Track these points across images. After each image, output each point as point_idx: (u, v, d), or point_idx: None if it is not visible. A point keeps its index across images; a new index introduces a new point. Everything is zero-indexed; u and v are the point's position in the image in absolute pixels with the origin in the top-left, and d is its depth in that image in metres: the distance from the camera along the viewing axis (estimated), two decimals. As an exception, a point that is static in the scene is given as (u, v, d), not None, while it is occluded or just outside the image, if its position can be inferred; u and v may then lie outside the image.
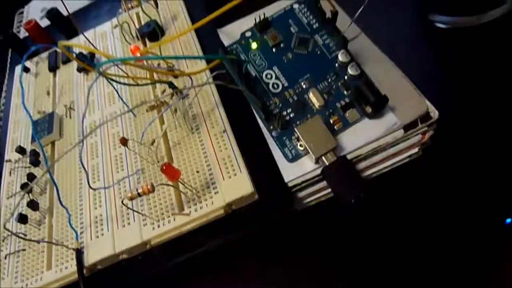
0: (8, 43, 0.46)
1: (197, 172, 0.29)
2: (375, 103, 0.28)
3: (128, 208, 0.28)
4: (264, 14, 0.33)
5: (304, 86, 0.30)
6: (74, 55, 0.40)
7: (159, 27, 0.39)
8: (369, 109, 0.28)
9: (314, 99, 0.30)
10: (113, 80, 0.28)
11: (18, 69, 0.44)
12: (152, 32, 0.39)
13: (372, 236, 0.31)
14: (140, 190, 0.24)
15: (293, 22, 0.32)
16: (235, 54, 0.32)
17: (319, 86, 0.30)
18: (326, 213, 0.31)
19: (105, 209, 0.30)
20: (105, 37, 0.42)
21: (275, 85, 0.31)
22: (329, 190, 0.29)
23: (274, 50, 0.32)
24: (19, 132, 0.38)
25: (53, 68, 0.42)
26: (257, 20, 0.32)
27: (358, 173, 0.28)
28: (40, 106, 0.39)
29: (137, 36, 0.40)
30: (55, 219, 0.31)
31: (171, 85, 0.32)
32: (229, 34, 0.39)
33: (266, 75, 0.31)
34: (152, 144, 0.31)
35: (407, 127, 0.28)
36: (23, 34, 0.52)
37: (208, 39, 0.38)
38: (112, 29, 0.42)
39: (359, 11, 0.29)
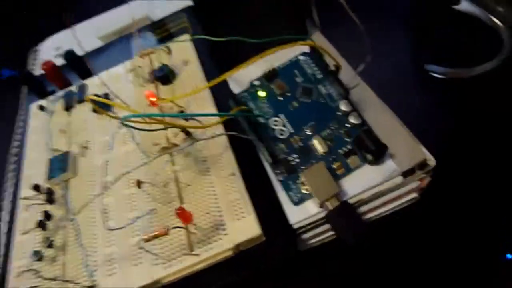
0: (24, 81, 0.48)
1: (207, 214, 0.31)
2: (375, 151, 0.30)
3: (145, 250, 0.30)
4: (271, 66, 0.35)
5: (308, 133, 0.32)
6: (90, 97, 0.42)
7: (171, 72, 0.42)
8: (369, 157, 0.30)
9: (318, 145, 0.31)
10: (130, 127, 0.30)
11: (33, 107, 0.46)
12: (165, 76, 0.41)
13: (376, 268, 0.32)
14: (157, 233, 0.26)
15: (298, 72, 0.35)
16: (244, 102, 0.34)
17: (322, 133, 0.32)
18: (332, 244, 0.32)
19: (117, 248, 0.31)
20: (119, 79, 0.45)
21: (282, 132, 0.33)
22: (333, 232, 0.30)
23: (280, 98, 0.34)
24: (35, 169, 0.40)
25: (68, 107, 0.44)
26: (266, 70, 0.35)
27: (359, 217, 0.30)
28: (55, 144, 0.41)
29: (150, 79, 0.43)
30: (68, 256, 0.32)
31: (184, 130, 0.34)
32: (238, 80, 0.42)
33: (273, 122, 0.33)
34: (165, 186, 0.33)
35: (406, 174, 0.30)
36: (37, 71, 0.55)
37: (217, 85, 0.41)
38: (126, 72, 0.45)
39: (362, 66, 0.31)
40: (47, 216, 0.34)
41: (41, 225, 0.33)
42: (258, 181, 0.32)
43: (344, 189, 0.30)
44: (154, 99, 0.35)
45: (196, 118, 0.34)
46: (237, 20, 0.40)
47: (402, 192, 0.31)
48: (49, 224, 0.34)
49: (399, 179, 0.30)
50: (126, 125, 0.26)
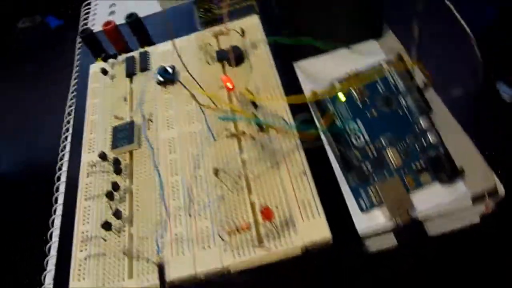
0: (85, 39, 0.48)
1: (276, 207, 0.32)
2: (451, 174, 0.31)
3: (220, 237, 0.31)
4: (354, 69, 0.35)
5: (384, 143, 0.33)
6: (156, 69, 0.42)
7: (242, 54, 0.41)
8: (443, 177, 0.31)
9: (393, 157, 0.32)
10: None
11: (94, 68, 0.46)
12: (236, 57, 0.41)
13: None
14: (240, 227, 0.27)
15: (380, 80, 0.35)
16: (323, 102, 0.34)
17: (398, 145, 0.33)
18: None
19: (186, 229, 0.32)
20: (184, 52, 0.44)
21: (357, 138, 0.33)
22: (396, 242, 0.32)
23: (360, 105, 0.34)
24: (96, 134, 0.40)
25: (130, 74, 0.44)
26: (349, 73, 0.35)
27: (425, 233, 0.31)
28: (117, 112, 0.41)
29: (217, 58, 0.42)
30: (136, 229, 0.33)
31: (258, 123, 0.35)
32: (305, 69, 0.42)
33: (349, 127, 0.33)
34: (239, 176, 0.33)
35: (475, 198, 0.31)
36: (91, 25, 0.54)
37: (284, 73, 0.41)
38: (193, 45, 0.44)
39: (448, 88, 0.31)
40: (115, 186, 0.35)
41: (109, 195, 0.34)
42: (327, 184, 0.33)
43: (413, 202, 0.31)
44: (231, 86, 0.35)
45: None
46: (309, 16, 0.40)
47: (467, 215, 0.32)
48: (116, 195, 0.35)
49: (468, 202, 0.31)
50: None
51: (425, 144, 0.32)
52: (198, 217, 0.33)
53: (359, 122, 0.34)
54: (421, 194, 0.32)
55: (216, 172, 0.32)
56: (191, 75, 0.37)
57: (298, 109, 0.37)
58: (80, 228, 0.35)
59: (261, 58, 0.42)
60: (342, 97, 0.34)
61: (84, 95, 0.44)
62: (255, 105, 0.37)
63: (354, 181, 0.32)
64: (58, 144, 0.44)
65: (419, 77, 0.33)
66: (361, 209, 0.31)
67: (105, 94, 0.43)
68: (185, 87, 0.37)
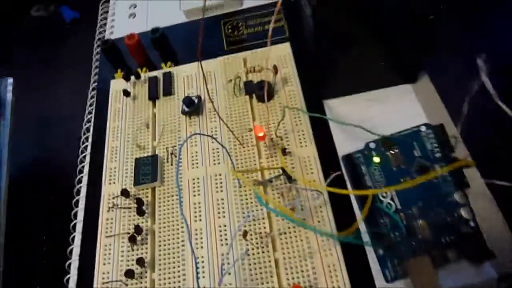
0: (106, 50, 0.46)
1: (302, 272, 0.32)
2: (481, 256, 0.30)
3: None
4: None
5: (415, 213, 0.32)
6: (180, 97, 0.41)
7: (271, 90, 0.40)
8: (472, 257, 0.31)
9: (422, 230, 0.32)
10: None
11: (115, 85, 0.44)
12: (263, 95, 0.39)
13: None
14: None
15: (417, 145, 0.34)
16: (356, 162, 0.33)
17: (428, 217, 0.32)
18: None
19: (209, 281, 0.32)
20: (211, 76, 0.42)
21: (388, 205, 0.33)
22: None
23: (395, 169, 0.33)
24: (118, 163, 0.39)
25: (153, 98, 0.42)
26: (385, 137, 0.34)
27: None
28: (139, 139, 0.40)
29: (246, 91, 0.41)
30: (157, 274, 0.33)
31: (286, 173, 0.34)
32: (333, 108, 0.40)
33: (382, 194, 0.33)
34: (266, 236, 0.33)
35: (501, 277, 0.31)
36: (111, 31, 0.52)
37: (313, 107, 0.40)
38: (220, 69, 0.42)
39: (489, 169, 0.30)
40: (138, 229, 0.34)
41: (132, 239, 0.34)
42: (354, 249, 0.33)
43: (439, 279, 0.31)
44: (262, 134, 0.34)
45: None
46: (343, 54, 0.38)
47: (490, 292, 0.32)
48: (138, 238, 0.35)
49: (494, 282, 0.31)
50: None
51: (457, 219, 0.32)
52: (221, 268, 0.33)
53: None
54: (447, 271, 0.32)
55: (245, 235, 0.32)
56: (228, 128, 0.35)
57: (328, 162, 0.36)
58: (101, 268, 0.34)
59: (291, 94, 0.40)
60: (376, 159, 0.33)
61: (102, 111, 0.43)
62: (284, 151, 0.36)
63: (381, 249, 0.32)
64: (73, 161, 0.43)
65: (461, 151, 0.32)
66: (386, 280, 0.31)
67: (127, 117, 0.42)
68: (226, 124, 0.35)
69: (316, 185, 0.32)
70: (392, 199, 0.33)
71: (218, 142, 0.34)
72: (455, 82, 0.40)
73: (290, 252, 0.32)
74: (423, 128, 0.34)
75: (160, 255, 0.34)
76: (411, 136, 0.34)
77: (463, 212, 0.32)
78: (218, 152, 0.38)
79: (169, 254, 0.34)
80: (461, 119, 0.32)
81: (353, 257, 0.32)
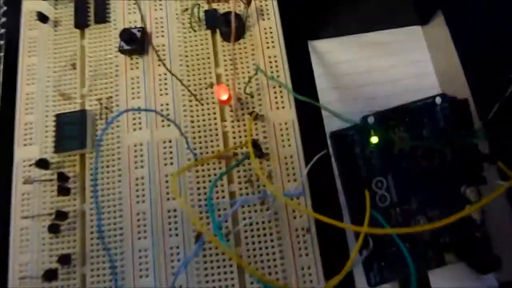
0: None
1: (269, 274, 0.26)
2: (486, 266, 0.25)
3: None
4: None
5: (413, 208, 0.26)
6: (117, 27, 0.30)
7: (242, 25, 0.30)
8: (477, 265, 0.26)
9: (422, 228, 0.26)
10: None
11: (27, 3, 0.32)
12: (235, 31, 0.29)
13: None
14: None
15: (428, 121, 0.26)
16: (349, 141, 0.26)
17: (430, 213, 0.26)
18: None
19: (153, 281, 0.26)
20: (160, 2, 0.31)
21: (383, 198, 0.26)
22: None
23: (396, 153, 0.26)
24: (34, 116, 0.30)
25: (81, 25, 0.31)
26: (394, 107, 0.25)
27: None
28: (63, 85, 0.30)
29: (206, 23, 0.30)
30: (88, 269, 0.27)
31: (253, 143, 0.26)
32: (320, 52, 0.31)
33: (376, 183, 0.26)
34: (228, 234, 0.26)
35: (502, 285, 0.27)
36: None
37: (297, 52, 0.30)
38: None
39: None
40: (61, 215, 0.26)
41: (53, 228, 0.26)
42: (334, 248, 0.27)
43: (432, 281, 0.26)
44: (226, 97, 0.25)
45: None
46: None
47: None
48: (63, 224, 0.27)
49: (493, 289, 0.27)
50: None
51: (464, 219, 0.26)
52: (170, 264, 0.26)
53: (389, 177, 0.26)
54: (442, 273, 0.26)
55: (198, 236, 0.25)
56: (182, 83, 0.25)
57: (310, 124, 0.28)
58: (18, 259, 0.27)
59: (267, 33, 0.30)
60: (374, 139, 0.26)
61: (11, 42, 0.32)
62: (255, 116, 0.28)
63: (367, 250, 0.26)
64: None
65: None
66: (370, 284, 0.26)
67: (46, 51, 0.31)
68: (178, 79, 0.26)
69: (296, 206, 0.24)
70: (387, 190, 0.26)
71: (164, 116, 0.25)
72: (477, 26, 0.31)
73: (257, 249, 0.26)
74: (438, 100, 0.26)
75: (92, 245, 0.27)
76: (421, 109, 0.26)
77: (473, 213, 0.26)
78: (168, 109, 0.29)
79: (103, 244, 0.27)
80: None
81: (332, 257, 0.26)
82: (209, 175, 0.28)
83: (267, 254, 0.26)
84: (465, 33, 0.31)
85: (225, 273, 0.26)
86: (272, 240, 0.26)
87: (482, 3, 0.32)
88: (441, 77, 0.30)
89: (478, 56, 0.31)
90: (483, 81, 0.30)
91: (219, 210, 0.27)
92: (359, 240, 0.21)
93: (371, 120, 0.25)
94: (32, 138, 0.29)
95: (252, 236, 0.26)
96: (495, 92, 0.26)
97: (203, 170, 0.28)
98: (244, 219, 0.26)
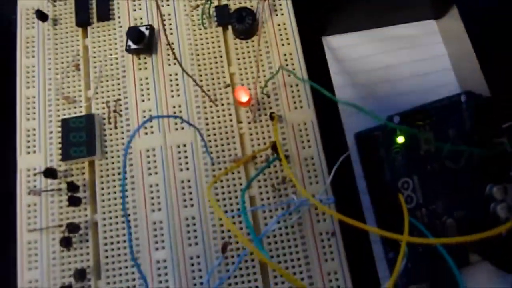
0: None
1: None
2: (514, 265, 0.25)
3: None
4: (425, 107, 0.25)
5: (439, 210, 0.25)
6: (123, 26, 0.28)
7: (254, 22, 0.28)
8: (504, 265, 0.25)
9: (448, 228, 0.25)
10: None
11: (22, 2, 0.30)
12: (245, 30, 0.28)
13: None
14: None
15: (453, 120, 0.25)
16: (374, 142, 0.25)
17: (456, 214, 0.25)
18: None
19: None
20: (166, 3, 0.30)
21: (409, 199, 0.25)
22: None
23: (422, 153, 0.25)
24: (36, 121, 0.28)
25: (83, 23, 0.29)
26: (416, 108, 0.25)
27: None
28: (67, 88, 0.28)
29: (217, 21, 0.29)
30: (104, 283, 0.25)
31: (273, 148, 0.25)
32: (335, 48, 0.31)
33: (402, 184, 0.25)
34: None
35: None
36: None
37: (311, 49, 0.29)
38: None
39: None
40: (72, 228, 0.25)
41: (65, 242, 0.25)
42: (360, 251, 0.26)
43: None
44: (247, 99, 0.24)
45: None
46: None
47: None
48: (74, 237, 0.25)
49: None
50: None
51: (490, 218, 0.25)
52: (190, 275, 0.25)
53: (415, 178, 0.25)
54: (468, 273, 0.26)
55: (224, 248, 0.24)
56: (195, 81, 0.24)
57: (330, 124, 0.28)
58: (25, 276, 0.25)
59: (282, 29, 0.29)
60: (400, 139, 0.25)
61: (8, 42, 0.30)
62: (271, 117, 0.27)
63: (393, 252, 0.25)
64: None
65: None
66: (396, 286, 0.26)
67: (46, 52, 0.29)
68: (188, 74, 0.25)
69: (327, 210, 0.24)
70: (413, 190, 0.25)
71: (185, 120, 0.24)
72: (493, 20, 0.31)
73: (281, 255, 0.25)
74: (463, 98, 0.25)
75: (107, 257, 0.26)
76: (447, 108, 0.25)
77: (499, 210, 0.25)
78: (180, 111, 0.28)
79: (119, 255, 0.26)
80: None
81: (358, 261, 0.26)
82: (227, 180, 0.26)
83: (292, 260, 0.25)
84: (480, 27, 0.31)
85: (249, 281, 0.25)
86: (296, 246, 0.25)
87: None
88: (458, 73, 0.29)
89: (494, 51, 0.30)
90: (501, 76, 0.29)
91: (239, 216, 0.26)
92: (401, 250, 0.20)
93: (396, 119, 0.24)
94: (36, 146, 0.27)
95: (276, 242, 0.25)
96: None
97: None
98: (266, 224, 0.25)
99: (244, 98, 0.24)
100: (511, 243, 0.25)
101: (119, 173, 0.27)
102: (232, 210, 0.26)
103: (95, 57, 0.29)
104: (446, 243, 0.18)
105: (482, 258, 0.26)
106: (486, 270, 0.26)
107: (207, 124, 0.27)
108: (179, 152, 0.27)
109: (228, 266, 0.25)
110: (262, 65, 0.28)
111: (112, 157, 0.27)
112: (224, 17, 0.29)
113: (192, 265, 0.25)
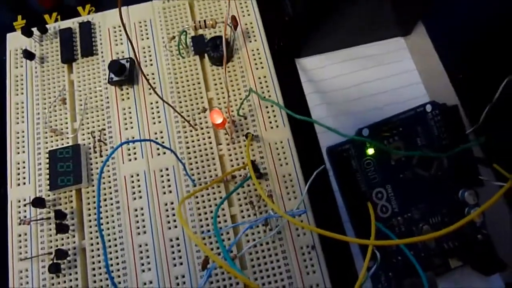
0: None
1: (278, 294, 0.26)
2: (491, 268, 0.25)
3: None
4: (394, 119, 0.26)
5: (415, 217, 0.26)
6: (105, 59, 0.30)
7: (230, 50, 0.30)
8: (481, 268, 0.26)
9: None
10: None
11: (12, 40, 0.32)
12: (220, 58, 0.29)
13: None
14: None
15: (421, 130, 0.26)
16: (346, 156, 0.26)
17: (431, 220, 0.26)
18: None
19: (160, 313, 0.26)
20: (146, 29, 0.32)
21: (384, 209, 0.26)
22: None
23: (393, 163, 0.26)
24: (26, 154, 0.29)
25: (68, 60, 0.31)
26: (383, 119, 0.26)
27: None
28: (54, 121, 0.30)
29: (194, 50, 0.30)
30: (92, 309, 0.26)
31: (254, 165, 0.26)
32: (307, 70, 0.32)
33: (376, 194, 0.26)
34: (235, 257, 0.26)
35: (508, 286, 0.27)
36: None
37: (285, 71, 0.31)
38: (159, 16, 0.31)
39: None
40: (60, 254, 0.26)
41: (54, 268, 0.26)
42: (341, 264, 0.27)
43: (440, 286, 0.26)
44: (221, 121, 0.26)
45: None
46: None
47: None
48: (63, 263, 0.26)
49: (500, 292, 0.27)
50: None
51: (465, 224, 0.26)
52: (177, 297, 0.26)
53: (388, 187, 0.26)
54: (447, 279, 0.27)
55: (205, 264, 0.24)
56: (173, 108, 0.25)
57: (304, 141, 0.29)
58: (17, 303, 0.26)
59: (255, 53, 0.31)
60: (370, 151, 0.26)
61: None
62: (246, 136, 0.28)
63: (373, 262, 0.26)
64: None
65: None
66: (378, 296, 0.26)
67: (33, 89, 0.31)
68: (168, 104, 0.26)
69: (301, 224, 0.24)
70: (388, 200, 0.26)
71: (158, 143, 0.25)
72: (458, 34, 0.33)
73: (264, 273, 0.26)
74: (428, 108, 0.26)
75: (95, 281, 0.26)
76: (414, 118, 0.26)
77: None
78: (162, 137, 0.29)
79: (107, 279, 0.26)
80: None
81: (339, 273, 0.26)
82: (209, 200, 0.27)
83: (274, 275, 0.26)
84: (447, 41, 0.32)
85: (233, 298, 0.25)
86: (278, 260, 0.26)
87: (461, 11, 0.33)
88: (428, 86, 0.31)
89: (461, 62, 0.32)
90: (469, 86, 0.31)
91: (221, 234, 0.27)
92: (367, 253, 0.21)
93: (365, 132, 0.26)
94: (25, 177, 0.29)
95: (258, 258, 0.26)
96: (482, 96, 0.27)
97: (202, 196, 0.27)
98: (248, 241, 0.26)
99: (218, 120, 0.25)
100: (486, 247, 0.26)
101: (105, 199, 0.28)
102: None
103: (80, 91, 0.30)
104: (409, 242, 0.19)
105: (463, 263, 0.26)
106: (467, 274, 0.27)
107: (187, 147, 0.28)
108: (162, 176, 0.28)
109: (213, 285, 0.26)
110: (239, 89, 0.30)
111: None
112: (200, 46, 0.30)
113: (178, 284, 0.26)
